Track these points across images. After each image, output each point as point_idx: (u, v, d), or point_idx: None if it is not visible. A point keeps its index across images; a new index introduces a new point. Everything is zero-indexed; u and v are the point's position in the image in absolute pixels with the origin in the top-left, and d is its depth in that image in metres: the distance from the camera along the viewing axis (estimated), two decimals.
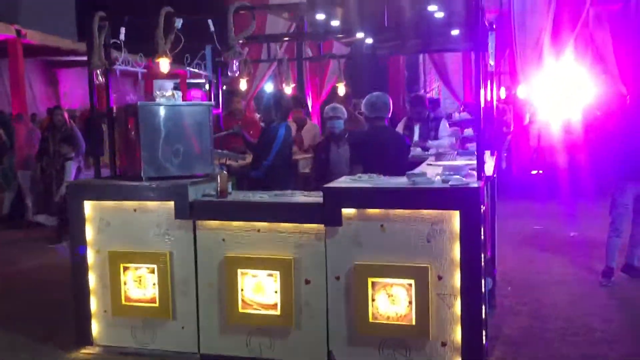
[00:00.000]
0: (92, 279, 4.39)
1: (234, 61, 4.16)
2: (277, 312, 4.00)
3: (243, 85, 6.53)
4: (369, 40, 8.33)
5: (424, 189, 3.76)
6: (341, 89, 7.84)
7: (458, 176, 3.90)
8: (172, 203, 4.14)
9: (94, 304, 4.40)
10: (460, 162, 4.72)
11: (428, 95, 16.49)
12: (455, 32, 7.24)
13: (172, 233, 4.19)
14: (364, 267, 3.83)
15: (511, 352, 4.19)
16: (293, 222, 3.96)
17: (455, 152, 5.64)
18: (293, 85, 7.56)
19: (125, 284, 4.30)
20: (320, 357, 4.00)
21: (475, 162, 4.08)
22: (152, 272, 4.23)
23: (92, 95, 4.49)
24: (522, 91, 12.64)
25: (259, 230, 4.03)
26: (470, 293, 3.69)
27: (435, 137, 6.60)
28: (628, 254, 5.96)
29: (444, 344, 3.77)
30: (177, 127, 4.25)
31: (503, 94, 17.88)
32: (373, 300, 3.83)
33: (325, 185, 3.96)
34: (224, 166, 4.32)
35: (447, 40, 7.49)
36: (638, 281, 5.78)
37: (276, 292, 3.99)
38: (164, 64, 4.29)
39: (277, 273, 3.98)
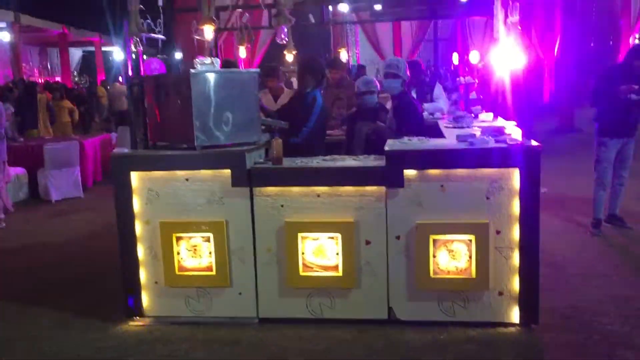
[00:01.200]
0: (141, 251, 4.34)
1: (283, 27, 4.15)
2: (339, 272, 4.13)
3: (242, 53, 6.46)
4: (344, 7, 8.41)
5: (486, 149, 3.96)
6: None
7: (507, 136, 4.12)
8: (227, 171, 4.14)
9: (143, 276, 4.36)
10: (492, 124, 4.95)
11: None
12: None
13: (227, 201, 4.19)
14: (425, 226, 4.01)
15: (548, 299, 4.51)
16: (354, 186, 4.06)
17: (472, 115, 5.86)
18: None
19: (178, 253, 4.28)
20: (381, 314, 4.17)
21: (501, 124, 4.31)
22: (208, 240, 4.23)
23: (135, 64, 4.36)
24: (474, 57, 13.20)
25: (318, 195, 4.11)
26: (528, 245, 3.95)
27: (431, 100, 6.82)
28: (610, 206, 6.46)
29: (500, 293, 4.04)
30: (227, 95, 4.22)
31: (456, 59, 18.54)
32: (434, 256, 4.03)
33: (388, 148, 4.07)
34: (277, 133, 4.33)
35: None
36: (622, 229, 6.30)
37: (337, 254, 4.11)
38: (208, 31, 4.22)
39: (338, 235, 4.09)
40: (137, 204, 4.29)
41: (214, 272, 4.25)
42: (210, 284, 4.28)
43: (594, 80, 6.68)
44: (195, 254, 4.27)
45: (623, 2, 15.51)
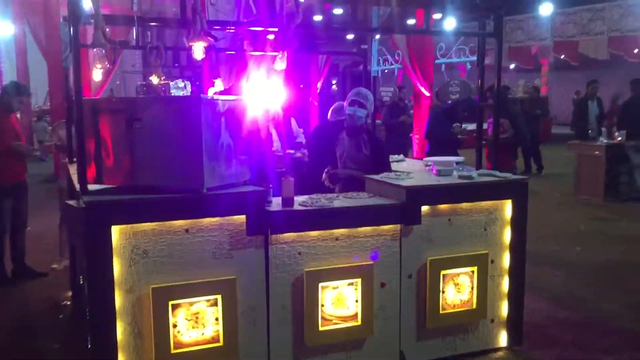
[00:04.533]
0: (119, 330, 3.28)
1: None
2: (358, 322, 3.78)
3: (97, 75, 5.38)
4: None
5: (487, 182, 4.13)
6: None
7: (475, 171, 4.38)
8: (238, 218, 3.45)
9: None
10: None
11: None
12: None
13: (237, 254, 3.48)
14: (437, 262, 3.98)
15: None
16: (371, 225, 3.80)
17: None
18: None
19: (175, 326, 3.36)
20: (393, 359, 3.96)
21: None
22: (214, 304, 3.43)
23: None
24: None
25: (337, 239, 3.72)
26: (517, 272, 4.24)
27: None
28: None
29: (492, 320, 4.23)
30: (228, 125, 3.52)
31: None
32: (443, 292, 4.02)
33: (406, 185, 3.91)
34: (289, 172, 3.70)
35: None
36: None
37: (357, 301, 3.77)
38: (198, 49, 3.51)
39: (358, 281, 3.77)
40: (116, 268, 3.24)
41: (220, 343, 3.45)
42: (214, 358, 3.46)
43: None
44: (197, 323, 3.41)
45: None
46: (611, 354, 4.23)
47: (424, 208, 3.92)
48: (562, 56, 21.17)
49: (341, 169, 4.67)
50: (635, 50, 20.12)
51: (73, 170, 4.77)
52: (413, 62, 12.55)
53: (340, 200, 3.86)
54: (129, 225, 3.25)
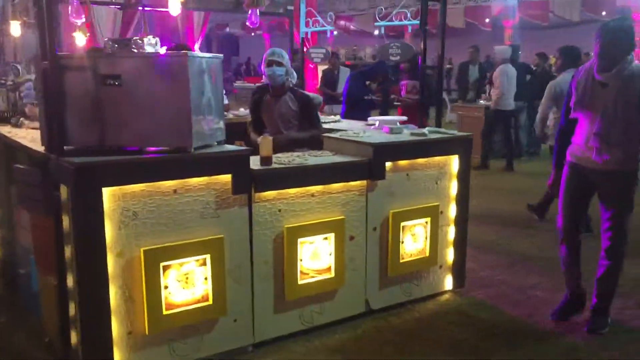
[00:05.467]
0: (111, 296, 3.19)
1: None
2: (331, 274, 3.95)
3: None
4: None
5: (440, 139, 4.41)
6: None
7: (421, 129, 4.67)
8: (224, 177, 3.45)
9: (114, 328, 3.21)
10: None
11: None
12: None
13: (223, 212, 3.48)
14: (398, 214, 4.23)
15: None
16: (343, 181, 3.96)
17: None
18: None
19: (166, 288, 3.32)
20: (360, 309, 4.19)
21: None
22: (203, 264, 3.42)
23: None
24: None
25: (313, 195, 3.84)
26: (461, 221, 4.61)
27: None
28: None
29: (440, 266, 4.59)
30: (210, 84, 3.47)
31: None
32: (402, 242, 4.29)
33: (372, 142, 4.08)
34: (266, 131, 3.65)
35: None
36: None
37: (330, 254, 3.93)
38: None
39: (331, 235, 3.92)
40: (107, 231, 3.13)
41: (210, 302, 3.46)
42: (204, 317, 3.47)
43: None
44: (188, 283, 3.39)
45: None
46: (538, 289, 4.77)
47: (389, 164, 4.13)
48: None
49: (284, 135, 4.68)
50: (487, 20, 21.93)
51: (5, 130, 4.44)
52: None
53: (313, 158, 3.97)
54: (118, 187, 3.13)
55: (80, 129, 3.27)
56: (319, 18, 5.86)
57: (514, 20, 22.23)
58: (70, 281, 3.29)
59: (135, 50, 3.39)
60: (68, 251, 3.24)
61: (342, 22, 24.29)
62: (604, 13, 20.62)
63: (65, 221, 3.23)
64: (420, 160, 4.32)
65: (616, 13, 19.67)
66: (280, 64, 4.58)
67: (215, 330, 3.54)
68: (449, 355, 3.72)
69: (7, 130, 4.41)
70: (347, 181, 3.97)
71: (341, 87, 8.67)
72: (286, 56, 4.68)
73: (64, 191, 3.20)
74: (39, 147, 3.55)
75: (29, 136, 4.13)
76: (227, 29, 31.57)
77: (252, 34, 29.15)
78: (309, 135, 4.56)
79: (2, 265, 4.97)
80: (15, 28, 5.21)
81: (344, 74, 9.11)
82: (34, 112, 5.12)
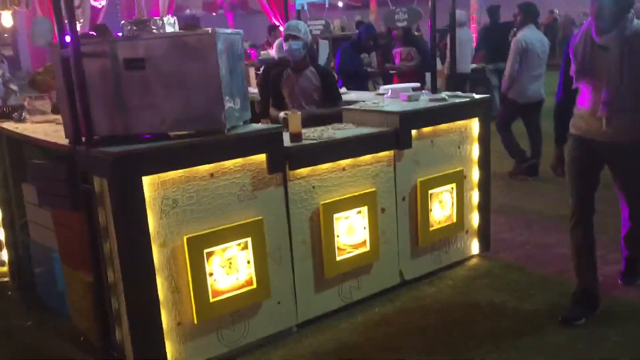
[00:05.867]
0: (158, 288, 3.08)
1: None
2: (367, 248, 3.90)
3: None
4: None
5: (460, 103, 4.36)
6: None
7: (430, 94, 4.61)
8: (259, 157, 3.35)
9: (163, 321, 3.12)
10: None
11: None
12: None
13: (260, 194, 3.39)
14: (425, 182, 4.18)
15: None
16: (371, 153, 3.88)
17: None
18: None
19: (211, 274, 3.23)
20: (394, 280, 4.15)
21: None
22: (245, 247, 3.33)
23: None
24: None
25: (344, 169, 3.76)
26: (484, 185, 4.59)
27: None
28: None
29: (467, 232, 4.57)
30: (234, 61, 3.34)
31: None
32: (431, 210, 4.25)
33: (398, 110, 4.01)
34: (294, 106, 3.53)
35: None
36: None
37: (364, 228, 3.88)
38: None
39: (364, 208, 3.86)
40: (150, 221, 3.01)
41: (254, 285, 3.38)
42: (249, 301, 3.39)
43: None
44: (231, 269, 3.31)
45: None
46: (561, 246, 4.78)
47: (413, 132, 4.07)
48: None
49: (305, 110, 4.57)
50: None
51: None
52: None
53: (340, 132, 3.88)
54: (157, 175, 3.01)
55: (105, 118, 3.13)
56: None
57: None
58: (110, 276, 3.17)
59: (156, 31, 3.24)
60: (107, 245, 3.12)
61: None
62: None
63: (102, 215, 3.10)
64: (443, 126, 4.26)
65: None
66: (296, 38, 4.45)
67: (260, 314, 3.47)
68: (493, 319, 3.71)
69: (13, 126, 4.21)
70: (376, 152, 3.90)
71: (321, 61, 8.55)
72: (303, 28, 4.52)
73: (98, 183, 3.07)
74: (61, 140, 3.40)
75: (40, 130, 3.95)
76: (187, 11, 30.96)
77: (214, 13, 28.58)
78: (331, 112, 4.45)
79: (13, 267, 4.80)
80: (6, 18, 4.95)
81: (324, 47, 8.98)
82: (33, 106, 4.92)
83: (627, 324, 3.53)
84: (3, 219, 4.77)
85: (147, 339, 3.07)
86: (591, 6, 3.31)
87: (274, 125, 3.50)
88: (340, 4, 25.13)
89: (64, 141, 3.35)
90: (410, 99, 4.43)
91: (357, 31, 8.30)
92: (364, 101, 4.63)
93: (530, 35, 6.32)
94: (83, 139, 3.11)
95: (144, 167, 2.96)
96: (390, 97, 4.73)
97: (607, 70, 3.32)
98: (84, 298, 3.55)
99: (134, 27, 3.28)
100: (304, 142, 3.60)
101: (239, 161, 3.28)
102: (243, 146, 3.27)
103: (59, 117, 3.64)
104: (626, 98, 3.34)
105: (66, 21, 3.02)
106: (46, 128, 4.00)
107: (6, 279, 4.84)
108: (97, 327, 3.43)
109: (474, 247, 4.63)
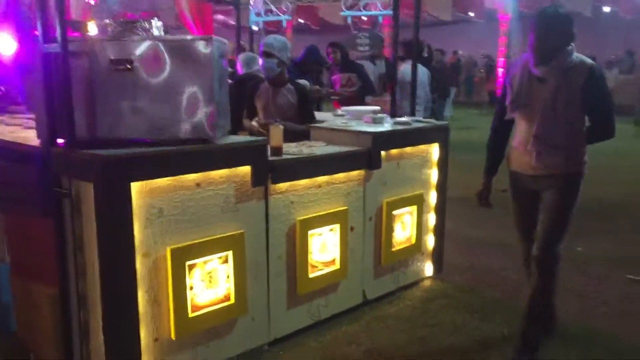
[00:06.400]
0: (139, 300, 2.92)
1: None
2: (336, 266, 3.90)
3: None
4: None
5: (424, 127, 4.48)
6: None
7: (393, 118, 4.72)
8: (244, 169, 3.28)
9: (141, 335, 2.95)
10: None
11: None
12: None
13: (242, 206, 3.31)
14: (390, 203, 4.25)
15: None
16: (345, 171, 3.91)
17: None
18: None
19: (191, 288, 3.10)
20: (358, 300, 4.17)
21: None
22: (225, 261, 3.23)
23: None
24: None
25: (319, 186, 3.76)
26: (441, 208, 4.72)
27: None
28: None
29: (422, 253, 4.68)
30: (222, 72, 3.27)
31: None
32: (393, 231, 4.32)
33: (368, 130, 4.05)
34: (277, 119, 3.43)
35: None
36: None
37: (335, 245, 3.88)
38: None
39: (337, 226, 3.86)
40: (135, 230, 2.86)
41: (232, 301, 3.28)
42: (227, 317, 3.28)
43: None
44: (211, 282, 3.19)
45: None
46: (509, 270, 4.98)
47: (383, 153, 4.13)
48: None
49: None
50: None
51: None
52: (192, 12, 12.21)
53: (317, 148, 3.88)
54: (145, 182, 2.88)
55: (84, 119, 2.95)
56: (272, 7, 5.70)
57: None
58: (82, 288, 2.97)
59: (143, 33, 3.13)
60: (80, 255, 2.92)
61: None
62: (471, 14, 22.10)
63: (77, 222, 2.91)
64: (408, 149, 4.37)
65: (485, 14, 21.23)
66: (270, 55, 4.42)
67: (235, 330, 3.37)
68: (459, 337, 3.79)
69: None
70: (349, 171, 3.93)
71: None
72: (278, 44, 4.47)
73: (75, 188, 2.88)
74: (27, 141, 3.19)
75: None
76: None
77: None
78: (302, 128, 4.44)
79: None
80: None
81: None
82: None
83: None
84: None
85: (124, 356, 2.89)
86: (531, 36, 3.22)
87: (259, 138, 3.44)
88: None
89: (31, 142, 3.14)
90: (374, 120, 4.51)
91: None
92: (325, 121, 4.65)
93: (407, 69, 6.57)
94: (58, 140, 2.92)
95: (133, 172, 2.81)
96: (353, 119, 4.78)
97: (541, 102, 3.25)
98: (41, 312, 3.29)
99: (120, 28, 3.15)
100: (284, 156, 3.57)
101: (224, 172, 3.20)
102: (230, 157, 3.20)
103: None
104: (558, 133, 3.27)
105: (57, 15, 2.84)
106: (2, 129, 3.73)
107: None
108: (57, 344, 3.19)
109: (428, 268, 4.74)
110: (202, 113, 3.03)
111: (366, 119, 4.58)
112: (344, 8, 4.97)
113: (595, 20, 19.17)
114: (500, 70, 18.35)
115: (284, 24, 6.13)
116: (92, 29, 5.07)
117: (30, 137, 3.32)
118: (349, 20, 5.48)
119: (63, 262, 3.05)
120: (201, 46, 3.00)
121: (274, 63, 4.44)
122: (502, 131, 3.55)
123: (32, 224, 3.28)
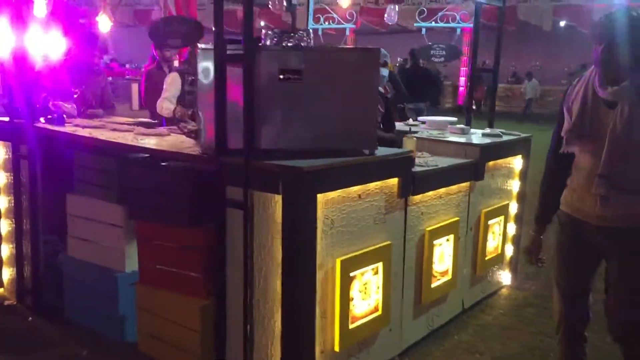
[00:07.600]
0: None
1: None
2: (449, 276, 3.97)
3: None
4: None
5: (514, 140, 4.61)
6: None
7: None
8: (395, 180, 3.31)
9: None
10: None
11: None
12: None
13: (389, 217, 3.34)
14: (487, 214, 4.34)
15: None
16: (459, 183, 3.99)
17: None
18: None
19: (352, 300, 3.11)
20: (458, 309, 4.25)
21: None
22: (376, 272, 3.25)
23: None
24: None
25: (440, 197, 3.82)
26: (521, 219, 4.85)
27: None
28: None
29: (502, 262, 4.80)
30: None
31: None
32: (487, 240, 4.42)
33: (476, 142, 4.14)
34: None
35: None
36: None
37: (449, 255, 3.95)
38: None
39: (452, 236, 3.94)
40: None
41: (380, 312, 3.30)
42: (374, 328, 3.30)
43: None
44: (366, 294, 3.21)
45: None
46: None
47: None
48: None
49: None
50: None
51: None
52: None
53: (430, 160, 3.93)
54: (325, 194, 2.87)
55: (257, 131, 2.92)
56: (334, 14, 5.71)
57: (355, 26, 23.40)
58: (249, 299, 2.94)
59: (304, 44, 3.12)
60: (252, 266, 2.89)
61: None
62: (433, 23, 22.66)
63: (249, 231, 2.88)
64: (500, 161, 4.48)
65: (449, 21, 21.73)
66: (384, 64, 4.45)
67: (377, 341, 3.39)
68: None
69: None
70: (462, 182, 4.01)
71: None
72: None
73: (251, 198, 2.85)
74: (184, 150, 3.14)
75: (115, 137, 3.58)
76: None
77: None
78: (393, 136, 4.48)
79: (18, 287, 4.23)
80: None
81: None
82: None
83: None
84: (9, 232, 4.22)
85: None
86: (595, 50, 2.53)
87: (405, 150, 3.47)
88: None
89: (188, 151, 3.10)
90: (463, 132, 4.60)
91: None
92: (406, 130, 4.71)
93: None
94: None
95: (320, 184, 2.81)
96: (435, 129, 4.84)
97: (610, 132, 2.50)
98: (187, 323, 3.23)
99: (283, 37, 3.12)
100: (417, 168, 3.62)
101: (379, 184, 3.22)
102: (385, 169, 3.23)
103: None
104: (631, 172, 2.52)
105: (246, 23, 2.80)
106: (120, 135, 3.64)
107: (11, 302, 4.24)
108: (205, 355, 3.13)
109: (505, 277, 4.86)
110: (365, 124, 3.05)
111: (452, 129, 4.67)
112: (418, 19, 5.01)
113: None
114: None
115: (347, 32, 6.08)
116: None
117: (178, 145, 3.26)
118: (424, 32, 5.53)
119: (221, 273, 3.00)
120: (370, 57, 3.03)
121: (386, 72, 4.49)
122: (559, 169, 2.80)
123: (177, 233, 3.21)
